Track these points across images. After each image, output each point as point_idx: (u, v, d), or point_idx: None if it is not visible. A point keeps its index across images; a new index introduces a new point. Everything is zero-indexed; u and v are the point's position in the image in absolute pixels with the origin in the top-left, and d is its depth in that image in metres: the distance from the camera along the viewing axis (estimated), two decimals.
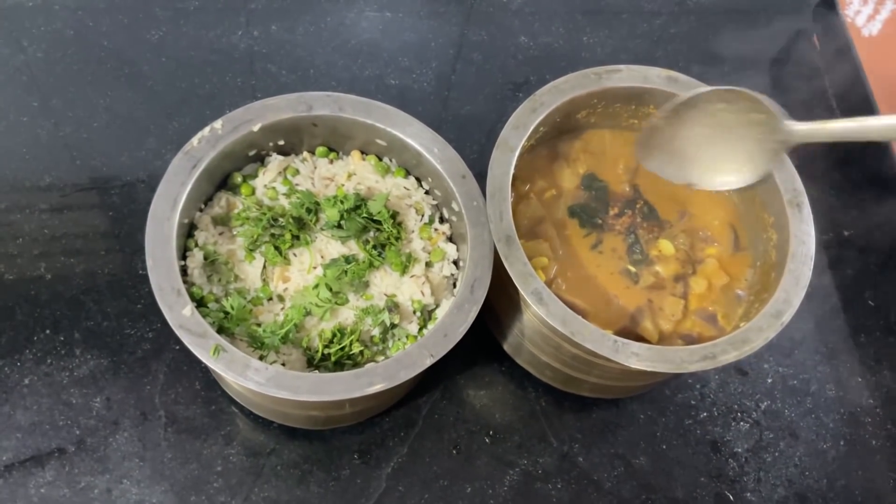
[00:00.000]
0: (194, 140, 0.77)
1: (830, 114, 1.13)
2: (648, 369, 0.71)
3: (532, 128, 0.80)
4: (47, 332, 0.86)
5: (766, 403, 0.93)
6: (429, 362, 0.71)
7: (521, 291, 0.73)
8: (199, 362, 0.87)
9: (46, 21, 1.02)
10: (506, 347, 0.90)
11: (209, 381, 0.87)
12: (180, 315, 0.69)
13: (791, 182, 0.82)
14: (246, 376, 0.68)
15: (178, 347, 0.88)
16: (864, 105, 1.07)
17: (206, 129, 0.77)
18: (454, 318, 0.73)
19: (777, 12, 1.24)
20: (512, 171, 0.78)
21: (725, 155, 0.76)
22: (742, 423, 0.92)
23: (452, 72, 1.08)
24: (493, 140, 0.80)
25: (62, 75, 0.99)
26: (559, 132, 0.87)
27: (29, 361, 0.85)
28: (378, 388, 0.69)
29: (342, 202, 0.78)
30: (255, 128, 0.78)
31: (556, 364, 0.83)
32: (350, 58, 1.06)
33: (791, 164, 0.83)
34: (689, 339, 0.81)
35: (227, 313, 0.74)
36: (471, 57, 1.10)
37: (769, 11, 1.24)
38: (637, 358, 0.72)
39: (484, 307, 0.87)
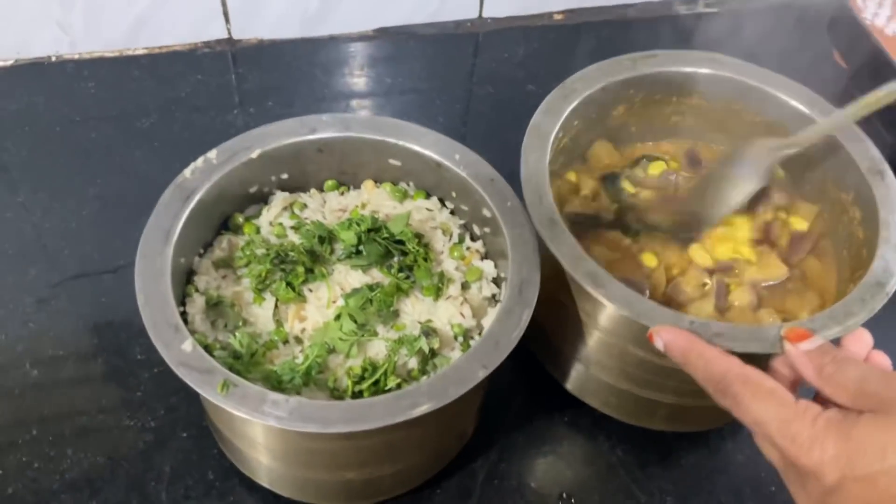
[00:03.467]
0: (186, 172, 0.68)
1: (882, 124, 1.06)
2: (737, 350, 0.59)
3: (565, 115, 0.72)
4: (33, 432, 0.74)
5: None
6: (482, 375, 0.58)
7: (573, 274, 0.62)
8: (213, 448, 0.74)
9: (31, 121, 0.97)
10: (568, 386, 0.77)
11: (224, 469, 0.73)
12: (180, 352, 0.58)
13: (865, 151, 0.73)
14: (263, 412, 0.55)
15: (185, 435, 0.75)
16: None
17: (200, 160, 0.69)
18: (504, 324, 0.61)
19: (784, 50, 1.20)
20: (548, 154, 0.69)
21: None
22: None
23: (463, 125, 1.02)
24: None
25: (48, 169, 0.93)
26: (595, 135, 0.79)
27: (12, 468, 0.72)
28: (424, 409, 0.56)
29: (358, 224, 0.69)
30: (254, 155, 0.70)
31: (624, 384, 0.70)
32: None
33: (863, 132, 0.74)
34: None
35: (237, 357, 0.63)
36: (479, 110, 1.04)
37: (776, 55, 1.19)
38: (721, 338, 0.59)
39: (536, 340, 0.76)
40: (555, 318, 0.72)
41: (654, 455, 0.77)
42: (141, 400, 0.77)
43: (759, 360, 0.56)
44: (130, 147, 0.95)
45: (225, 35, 1.05)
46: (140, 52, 1.04)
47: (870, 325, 0.61)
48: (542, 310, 0.67)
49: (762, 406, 0.51)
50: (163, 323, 0.59)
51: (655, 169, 0.80)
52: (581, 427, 0.78)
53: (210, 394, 0.56)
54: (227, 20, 1.04)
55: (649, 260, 0.72)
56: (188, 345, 0.58)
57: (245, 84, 1.03)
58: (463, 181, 0.71)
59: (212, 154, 0.69)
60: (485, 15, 1.11)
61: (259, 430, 0.62)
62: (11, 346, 0.79)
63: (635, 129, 0.81)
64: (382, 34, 1.09)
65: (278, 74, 1.05)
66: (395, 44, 1.09)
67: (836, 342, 0.59)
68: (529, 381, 0.80)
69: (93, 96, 1.00)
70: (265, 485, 0.70)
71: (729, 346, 0.58)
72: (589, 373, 0.72)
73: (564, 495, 0.74)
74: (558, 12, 1.13)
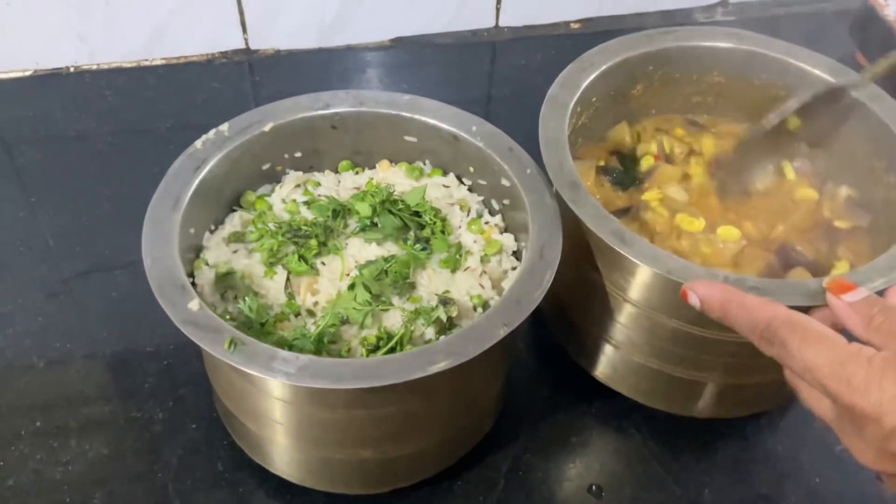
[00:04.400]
0: (197, 143, 0.67)
1: None
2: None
3: (583, 88, 0.70)
4: (37, 424, 0.71)
5: None
6: (502, 333, 0.55)
7: (598, 234, 0.59)
8: (222, 439, 0.71)
9: (47, 127, 0.96)
10: (597, 374, 0.73)
11: (234, 460, 0.70)
12: (186, 310, 0.55)
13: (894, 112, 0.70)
14: (272, 368, 0.52)
15: (194, 427, 0.72)
16: None
17: (211, 132, 0.67)
18: (526, 284, 0.58)
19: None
20: (567, 124, 0.67)
21: None
22: None
23: None
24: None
25: (62, 172, 0.92)
26: (616, 115, 0.77)
27: (14, 460, 0.69)
28: (442, 366, 0.53)
29: (373, 195, 0.66)
30: (267, 128, 0.68)
31: (656, 363, 0.66)
32: None
33: (892, 99, 0.72)
34: None
35: (248, 326, 0.60)
36: (498, 112, 1.02)
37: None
38: (758, 293, 0.55)
39: (561, 326, 0.73)
40: (580, 296, 0.69)
41: (688, 446, 0.73)
42: (149, 392, 0.74)
43: None
44: (146, 151, 0.94)
45: (242, 45, 1.06)
46: (157, 62, 1.04)
47: None
48: (566, 290, 0.65)
49: (813, 350, 0.48)
50: (169, 284, 0.57)
51: (645, 164, 0.76)
52: (610, 417, 0.74)
53: (218, 351, 0.53)
54: (244, 30, 1.04)
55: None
56: (195, 304, 0.55)
57: (262, 92, 1.03)
58: (480, 152, 0.69)
59: (224, 127, 0.68)
60: (501, 24, 1.11)
61: (272, 403, 0.59)
62: (19, 340, 0.77)
63: (655, 110, 0.79)
64: (399, 44, 1.09)
65: (295, 84, 1.04)
66: (412, 53, 1.09)
67: (880, 295, 0.55)
68: (555, 372, 0.77)
69: (109, 104, 1.00)
70: (276, 472, 0.67)
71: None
72: (618, 354, 0.69)
73: (594, 488, 0.70)
74: (575, 21, 1.13)
